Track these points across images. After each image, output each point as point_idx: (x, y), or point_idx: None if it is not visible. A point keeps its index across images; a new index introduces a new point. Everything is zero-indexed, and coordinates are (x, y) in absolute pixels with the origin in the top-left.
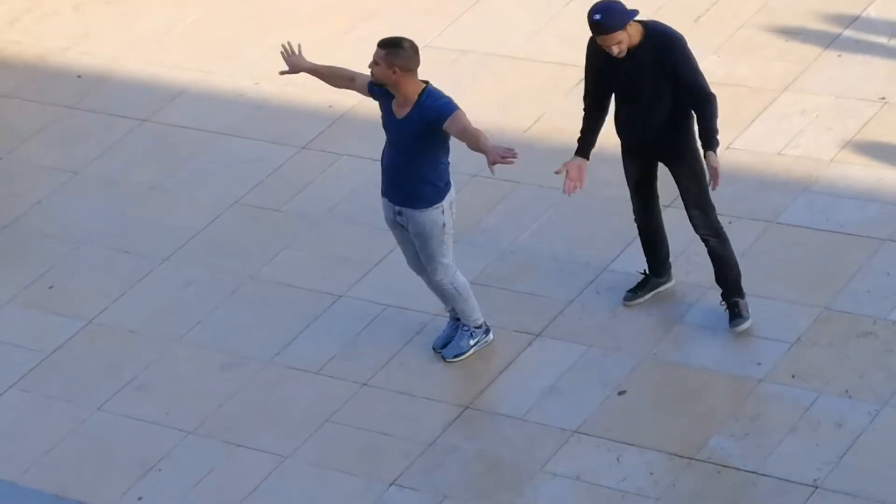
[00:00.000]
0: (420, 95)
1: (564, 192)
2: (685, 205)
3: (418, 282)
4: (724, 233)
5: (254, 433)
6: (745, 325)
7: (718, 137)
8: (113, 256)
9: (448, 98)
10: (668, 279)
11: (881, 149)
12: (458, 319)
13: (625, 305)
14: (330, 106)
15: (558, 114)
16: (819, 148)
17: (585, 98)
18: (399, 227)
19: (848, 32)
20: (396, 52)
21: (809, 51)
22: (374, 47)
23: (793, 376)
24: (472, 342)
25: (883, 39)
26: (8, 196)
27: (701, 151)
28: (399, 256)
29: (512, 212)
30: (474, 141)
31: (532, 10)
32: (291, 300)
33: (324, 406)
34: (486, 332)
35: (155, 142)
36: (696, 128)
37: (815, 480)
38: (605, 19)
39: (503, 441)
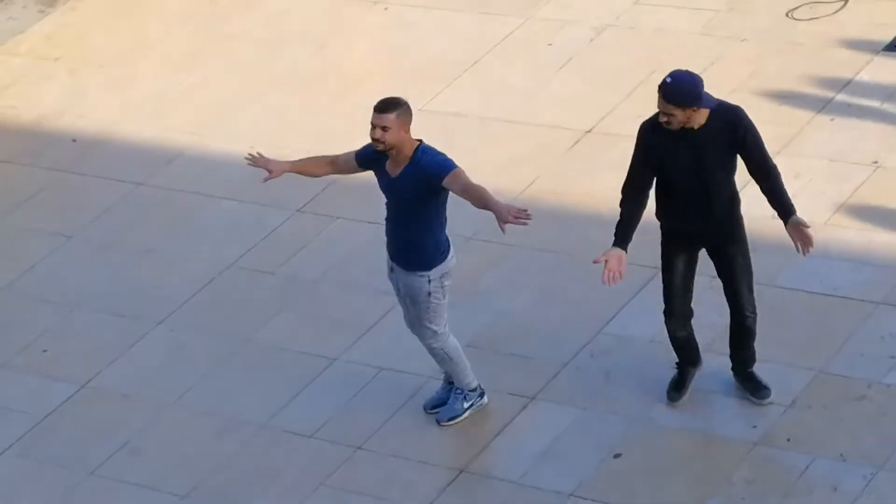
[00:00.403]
0: (415, 152)
1: (604, 282)
2: (733, 285)
3: (412, 344)
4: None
5: (248, 498)
6: (771, 395)
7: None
8: (107, 320)
9: (444, 155)
10: (700, 361)
11: (874, 212)
12: (452, 382)
13: (669, 405)
14: None
15: (553, 177)
16: (813, 211)
17: (627, 185)
18: (394, 282)
19: (841, 96)
20: (405, 110)
21: (802, 115)
22: (369, 112)
23: (788, 440)
24: (466, 405)
25: (875, 103)
26: (2, 260)
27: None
28: (393, 319)
29: (507, 275)
30: (480, 199)
31: (526, 74)
32: (285, 364)
33: (318, 470)
34: (481, 395)
35: (150, 205)
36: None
37: None
38: (674, 87)
39: None
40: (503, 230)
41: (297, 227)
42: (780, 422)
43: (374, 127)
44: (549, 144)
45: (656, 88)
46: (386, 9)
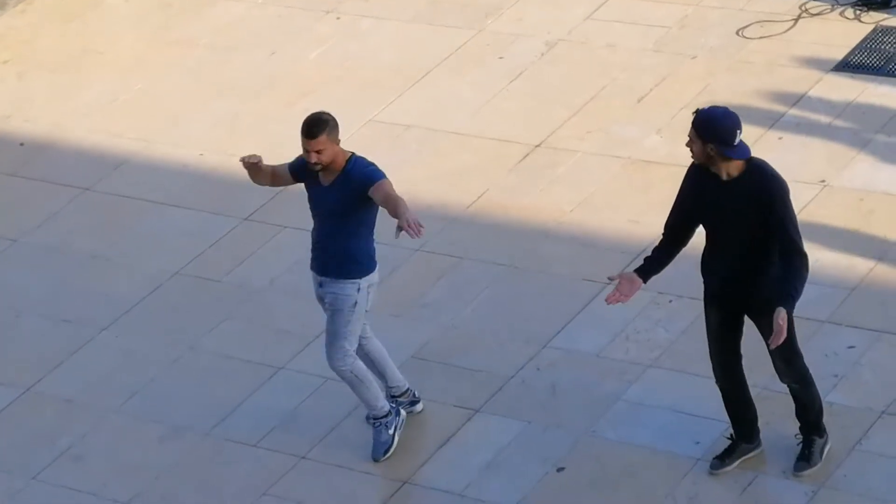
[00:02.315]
0: (347, 162)
1: (606, 301)
2: (770, 355)
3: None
4: (810, 376)
5: None
6: (808, 471)
7: (795, 300)
8: (52, 325)
9: (374, 165)
10: (758, 444)
11: (821, 231)
12: (395, 396)
13: (711, 474)
14: None
15: (501, 190)
16: None
17: (666, 227)
18: (323, 302)
19: (790, 114)
20: (332, 125)
21: (751, 132)
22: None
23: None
24: (391, 432)
25: (824, 122)
26: None
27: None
28: None
29: (454, 287)
30: (394, 207)
31: (475, 87)
32: (231, 372)
33: (261, 479)
34: (412, 403)
35: (97, 211)
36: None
37: None
38: (703, 113)
39: None
40: (396, 235)
41: (244, 236)
42: (723, 437)
43: (307, 152)
44: (499, 158)
45: (607, 103)
46: (338, 18)
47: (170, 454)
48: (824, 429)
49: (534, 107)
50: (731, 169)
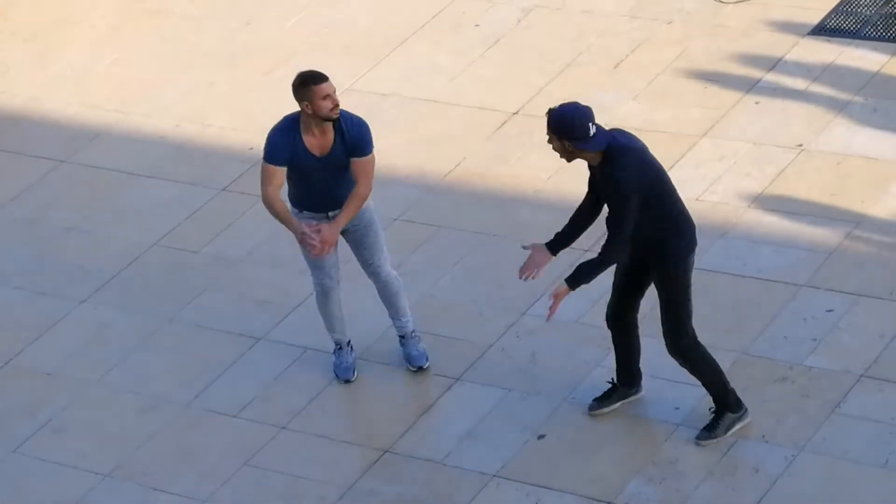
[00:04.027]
0: (335, 125)
1: (520, 274)
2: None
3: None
4: (698, 357)
5: (171, 477)
6: (707, 441)
7: (580, 281)
8: (29, 298)
9: (365, 126)
10: (638, 390)
11: (798, 195)
12: (342, 346)
13: (590, 415)
14: (251, 148)
15: (478, 158)
16: (737, 194)
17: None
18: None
19: (767, 78)
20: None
21: (728, 97)
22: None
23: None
24: (423, 344)
25: (801, 86)
26: None
27: (683, 269)
28: None
29: (432, 256)
30: (352, 199)
31: (452, 55)
32: (210, 343)
33: (242, 450)
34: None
35: (73, 183)
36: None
37: None
38: (556, 118)
39: (422, 485)
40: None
41: (221, 207)
42: (702, 403)
43: (327, 96)
44: (476, 125)
45: (584, 70)
46: None
47: (150, 426)
48: (739, 406)
49: (511, 74)
50: (591, 159)
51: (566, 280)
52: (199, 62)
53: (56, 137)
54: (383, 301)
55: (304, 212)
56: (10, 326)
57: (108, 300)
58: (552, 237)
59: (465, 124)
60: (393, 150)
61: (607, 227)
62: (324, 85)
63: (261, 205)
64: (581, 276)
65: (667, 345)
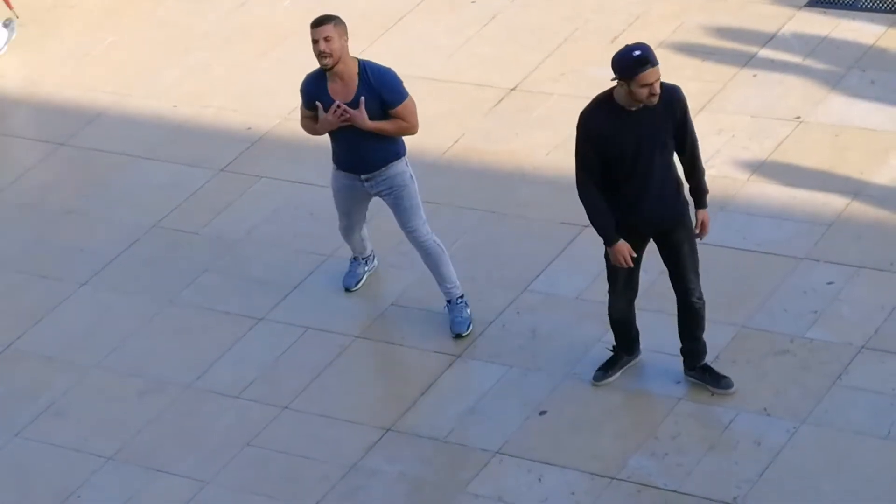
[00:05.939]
0: (360, 70)
1: (622, 264)
2: (682, 273)
3: (338, 304)
4: None
5: (173, 459)
6: (732, 389)
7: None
8: (29, 281)
9: (392, 72)
10: (638, 353)
11: (797, 168)
12: (357, 259)
13: (594, 385)
14: (249, 128)
15: (477, 135)
16: (735, 167)
17: (589, 179)
18: (354, 192)
19: (763, 52)
20: (340, 20)
21: (725, 70)
22: (293, 68)
23: (711, 394)
24: (468, 310)
25: (798, 58)
26: None
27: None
28: (319, 279)
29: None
30: (397, 123)
31: (449, 32)
32: (210, 324)
33: (244, 430)
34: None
35: (71, 165)
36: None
37: (734, 498)
38: (649, 52)
39: (425, 463)
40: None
41: (220, 187)
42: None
43: (316, 42)
44: (474, 102)
45: (581, 45)
46: None
47: (151, 408)
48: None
49: (508, 50)
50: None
51: (705, 207)
52: (196, 43)
53: (54, 120)
54: (428, 268)
55: (340, 171)
56: (10, 310)
57: (109, 283)
58: (614, 230)
59: (463, 102)
60: None
61: (693, 152)
62: (312, 30)
63: (260, 185)
64: (705, 193)
65: (696, 296)
